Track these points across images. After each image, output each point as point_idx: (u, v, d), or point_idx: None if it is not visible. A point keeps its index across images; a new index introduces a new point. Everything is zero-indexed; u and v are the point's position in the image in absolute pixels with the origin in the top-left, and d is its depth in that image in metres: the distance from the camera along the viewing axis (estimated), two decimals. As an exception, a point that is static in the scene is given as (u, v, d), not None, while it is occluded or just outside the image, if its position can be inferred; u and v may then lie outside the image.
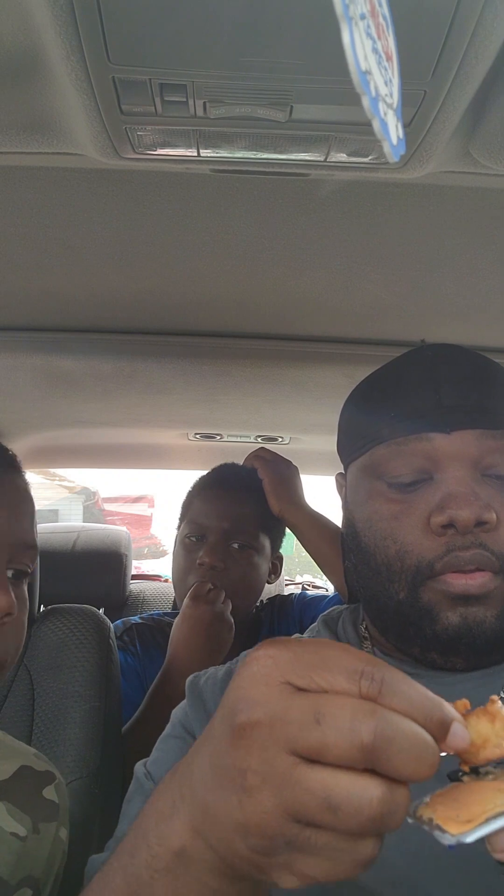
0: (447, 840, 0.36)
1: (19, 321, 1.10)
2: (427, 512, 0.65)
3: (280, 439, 1.71)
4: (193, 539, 1.29)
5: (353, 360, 1.17)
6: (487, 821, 0.35)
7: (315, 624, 0.83)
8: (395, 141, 0.38)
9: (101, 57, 0.49)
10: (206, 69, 0.50)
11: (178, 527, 1.37)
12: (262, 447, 1.36)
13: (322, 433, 1.69)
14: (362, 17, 0.33)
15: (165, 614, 1.46)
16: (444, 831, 0.36)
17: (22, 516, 0.78)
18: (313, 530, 1.23)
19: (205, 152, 0.59)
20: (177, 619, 1.23)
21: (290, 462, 1.32)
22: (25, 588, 0.79)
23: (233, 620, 1.21)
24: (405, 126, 0.54)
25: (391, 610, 0.67)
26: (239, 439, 1.72)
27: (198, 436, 1.71)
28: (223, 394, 1.35)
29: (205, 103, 0.53)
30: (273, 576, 1.37)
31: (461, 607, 0.64)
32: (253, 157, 0.60)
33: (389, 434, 0.69)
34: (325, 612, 0.85)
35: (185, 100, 0.52)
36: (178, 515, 1.40)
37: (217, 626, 1.19)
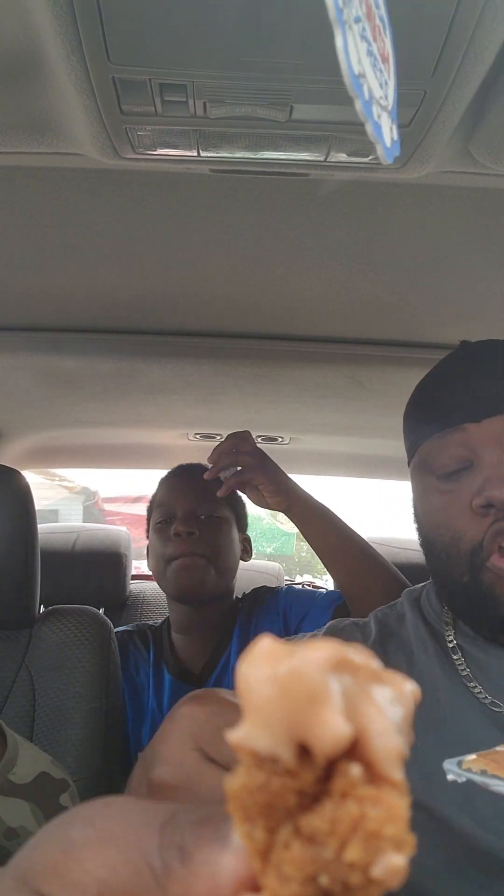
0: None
1: (19, 321, 1.10)
2: (470, 497, 0.71)
3: (280, 439, 1.71)
4: (164, 522, 1.31)
5: (353, 360, 1.17)
6: None
7: (400, 599, 0.86)
8: (388, 143, 0.38)
9: (101, 57, 0.49)
10: (206, 69, 0.50)
11: (147, 527, 1.38)
12: (254, 443, 1.27)
13: (322, 433, 1.69)
14: (357, 20, 0.33)
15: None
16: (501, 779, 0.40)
17: None
18: (321, 519, 1.21)
19: (205, 152, 0.59)
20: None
21: (266, 455, 1.24)
22: None
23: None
24: (405, 126, 0.54)
25: (459, 593, 0.73)
26: (239, 439, 1.72)
27: (198, 436, 1.71)
28: (223, 394, 1.35)
29: (205, 103, 0.53)
30: (245, 555, 1.39)
31: None
32: (253, 157, 0.60)
33: (431, 430, 0.76)
34: (408, 588, 0.88)
35: (184, 100, 0.52)
36: (146, 518, 1.40)
37: None
